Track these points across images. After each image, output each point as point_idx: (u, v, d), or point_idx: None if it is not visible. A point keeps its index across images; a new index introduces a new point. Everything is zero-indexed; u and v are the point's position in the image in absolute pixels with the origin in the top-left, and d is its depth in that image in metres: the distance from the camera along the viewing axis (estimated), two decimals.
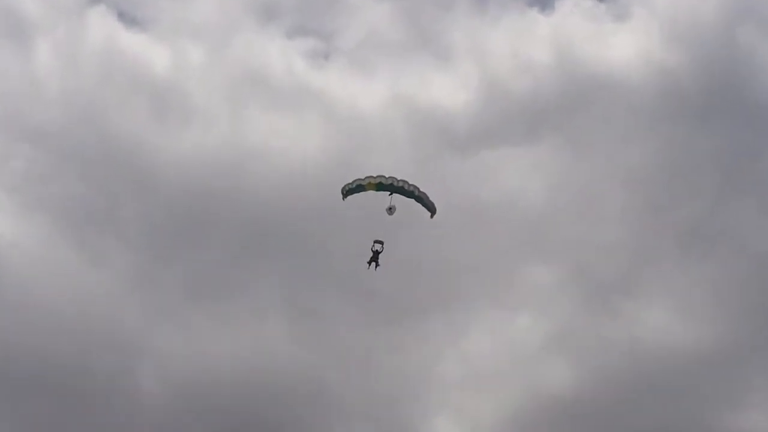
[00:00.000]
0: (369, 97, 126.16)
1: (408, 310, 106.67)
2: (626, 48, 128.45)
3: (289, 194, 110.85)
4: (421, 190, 75.76)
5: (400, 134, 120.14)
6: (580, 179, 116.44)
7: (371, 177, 75.32)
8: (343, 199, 76.00)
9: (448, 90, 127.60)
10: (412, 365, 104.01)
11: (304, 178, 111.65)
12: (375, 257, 76.46)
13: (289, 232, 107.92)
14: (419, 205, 76.05)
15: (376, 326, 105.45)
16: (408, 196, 75.33)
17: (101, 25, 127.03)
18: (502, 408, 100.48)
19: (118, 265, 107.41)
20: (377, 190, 75.12)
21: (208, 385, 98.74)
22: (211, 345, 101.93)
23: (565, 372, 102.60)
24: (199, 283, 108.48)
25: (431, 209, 76.25)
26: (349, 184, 75.74)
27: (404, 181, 75.38)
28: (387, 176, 75.15)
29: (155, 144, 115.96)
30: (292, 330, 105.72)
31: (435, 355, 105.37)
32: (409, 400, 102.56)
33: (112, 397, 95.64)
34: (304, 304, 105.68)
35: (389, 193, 75.27)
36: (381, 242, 76.36)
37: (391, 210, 75.45)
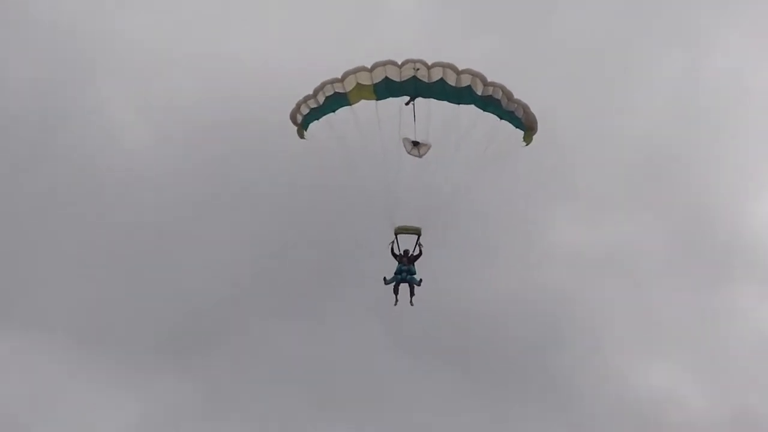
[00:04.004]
0: None
1: None
2: None
3: None
4: (491, 82, 30.41)
5: None
6: None
7: (362, 70, 30.07)
8: (301, 133, 31.41)
9: None
10: None
11: None
12: (402, 272, 31.54)
13: None
14: (489, 115, 31.05)
15: None
16: (454, 101, 30.50)
17: None
18: None
19: None
20: (380, 97, 29.88)
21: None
22: None
23: None
24: None
25: (527, 124, 31.17)
26: (309, 98, 30.60)
27: (447, 68, 30.13)
28: (405, 63, 30.11)
29: None
30: None
31: None
32: None
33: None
34: None
35: (408, 101, 30.20)
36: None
37: (419, 147, 30.79)
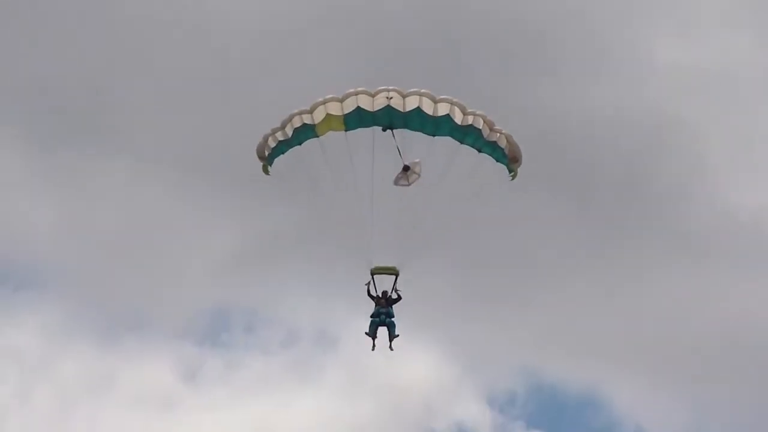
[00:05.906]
0: None
1: None
2: None
3: None
4: (471, 111, 28.46)
5: None
6: None
7: (332, 100, 28.20)
8: (266, 169, 29.46)
9: None
10: None
11: None
12: (381, 314, 29.44)
13: None
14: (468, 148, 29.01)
15: None
16: (429, 132, 28.50)
17: None
18: None
19: None
20: (349, 128, 27.88)
21: None
22: None
23: None
24: None
25: (510, 155, 29.05)
26: (276, 130, 28.73)
27: (423, 97, 28.22)
28: (378, 92, 28.18)
29: None
30: None
31: None
32: None
33: None
34: None
35: (385, 129, 28.23)
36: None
37: (408, 175, 28.31)
